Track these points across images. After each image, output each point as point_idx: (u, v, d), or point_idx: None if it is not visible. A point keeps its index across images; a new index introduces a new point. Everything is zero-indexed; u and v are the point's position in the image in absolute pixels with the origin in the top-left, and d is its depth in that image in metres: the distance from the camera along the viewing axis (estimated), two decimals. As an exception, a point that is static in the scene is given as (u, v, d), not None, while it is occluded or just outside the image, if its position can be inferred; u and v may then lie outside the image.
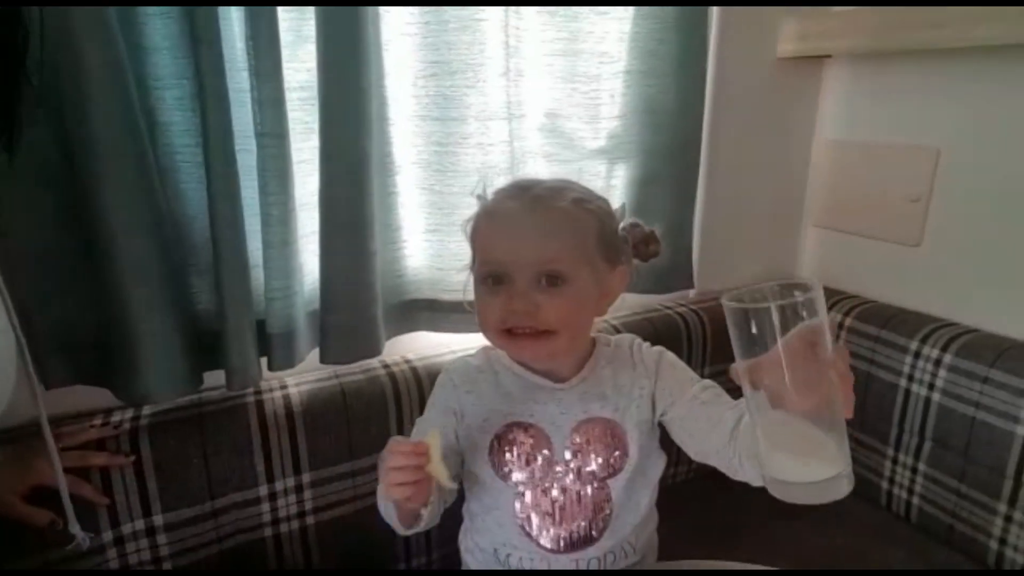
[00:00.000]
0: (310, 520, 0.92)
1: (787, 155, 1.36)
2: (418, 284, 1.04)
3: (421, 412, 0.94)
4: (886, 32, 1.09)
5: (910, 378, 1.10)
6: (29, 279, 0.77)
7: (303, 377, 0.95)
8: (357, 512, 0.94)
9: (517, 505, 0.76)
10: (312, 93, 0.85)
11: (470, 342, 1.05)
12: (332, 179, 0.87)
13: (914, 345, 1.09)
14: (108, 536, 0.80)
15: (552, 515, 0.75)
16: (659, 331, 1.12)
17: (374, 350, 0.97)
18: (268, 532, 0.89)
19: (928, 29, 1.02)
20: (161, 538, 0.83)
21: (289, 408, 0.89)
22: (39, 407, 0.63)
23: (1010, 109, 1.04)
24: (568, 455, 0.75)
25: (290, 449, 0.88)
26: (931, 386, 1.07)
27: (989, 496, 1.00)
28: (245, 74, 0.79)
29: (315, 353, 0.96)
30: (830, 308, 1.24)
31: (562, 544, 0.76)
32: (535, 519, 0.76)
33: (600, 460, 0.75)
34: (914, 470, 1.11)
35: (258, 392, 0.91)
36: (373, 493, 0.94)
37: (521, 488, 0.75)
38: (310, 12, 0.82)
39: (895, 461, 1.13)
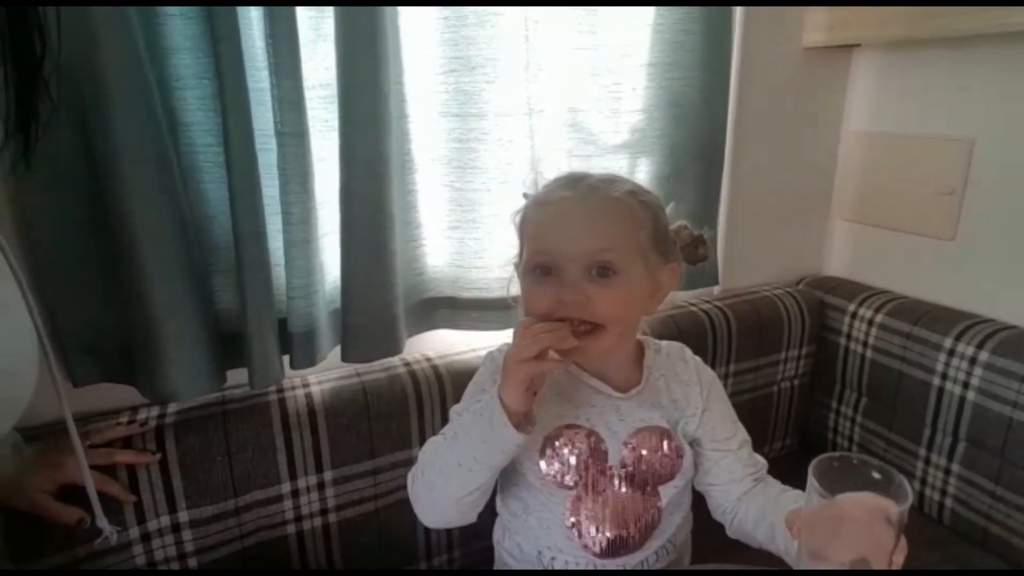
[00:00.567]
0: (332, 518, 0.92)
1: (814, 147, 1.33)
2: (438, 282, 1.04)
3: (443, 411, 0.95)
4: (918, 20, 1.06)
5: (944, 376, 1.06)
6: (56, 281, 0.79)
7: (325, 375, 0.96)
8: (378, 510, 0.94)
9: (567, 509, 0.73)
10: (332, 91, 0.85)
11: (491, 340, 1.04)
12: (352, 177, 0.87)
13: (948, 342, 1.06)
14: (135, 532, 0.81)
15: (603, 520, 0.73)
16: (683, 328, 1.10)
17: (395, 348, 0.97)
18: (291, 529, 0.90)
19: (962, 16, 0.99)
20: (186, 534, 0.84)
21: (311, 406, 0.89)
22: (63, 406, 0.64)
23: (1050, 97, 1.00)
24: (622, 461, 0.73)
25: (312, 447, 0.88)
26: (966, 384, 1.03)
27: (1027, 498, 0.97)
28: (265, 73, 0.79)
29: (337, 351, 0.96)
30: (860, 304, 1.21)
31: (610, 548, 0.74)
32: (585, 523, 0.73)
33: (654, 468, 0.74)
34: (947, 471, 1.08)
35: (280, 390, 0.91)
36: (395, 491, 0.95)
37: (572, 492, 0.73)
38: (329, 10, 0.82)
39: (927, 461, 1.10)
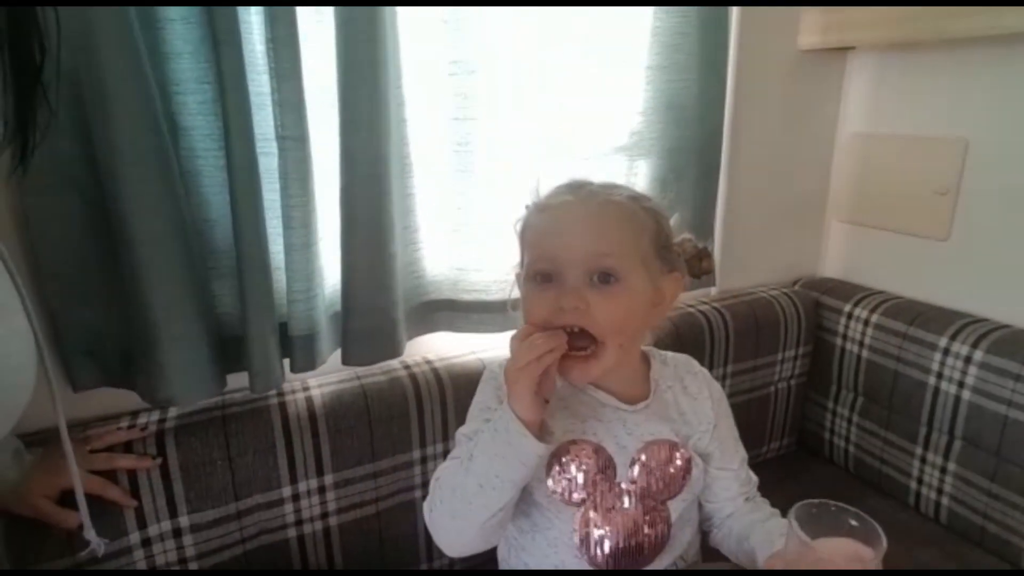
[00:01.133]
0: (333, 521, 0.92)
1: (810, 149, 1.34)
2: (437, 285, 1.04)
3: (443, 413, 0.95)
4: (912, 22, 1.07)
5: (939, 376, 1.07)
6: (57, 284, 0.78)
7: (325, 379, 0.96)
8: (379, 513, 0.94)
9: (575, 526, 0.72)
10: (332, 95, 0.85)
11: (490, 342, 1.05)
12: (352, 180, 0.87)
13: (943, 342, 1.07)
14: (136, 538, 0.81)
15: (612, 536, 0.71)
16: (681, 330, 1.11)
17: (395, 351, 0.97)
18: (292, 533, 0.90)
19: (956, 18, 1.00)
20: (187, 539, 0.84)
21: (312, 410, 0.89)
22: (57, 409, 0.64)
23: (1043, 99, 1.01)
24: (631, 476, 0.72)
25: (313, 450, 0.88)
26: (961, 384, 1.04)
27: (1022, 496, 0.98)
28: (266, 77, 0.80)
29: (337, 355, 0.96)
30: (856, 304, 1.22)
31: (620, 564, 0.73)
32: (594, 540, 0.72)
33: (663, 482, 0.72)
34: (943, 470, 1.09)
35: (281, 394, 0.91)
36: (395, 494, 0.95)
37: (580, 509, 0.71)
38: (329, 14, 0.82)
39: (924, 460, 1.11)
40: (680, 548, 0.76)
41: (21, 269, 0.57)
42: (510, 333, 0.66)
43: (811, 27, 1.22)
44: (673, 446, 0.73)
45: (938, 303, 1.17)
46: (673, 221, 0.74)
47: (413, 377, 0.96)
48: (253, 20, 0.80)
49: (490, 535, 0.68)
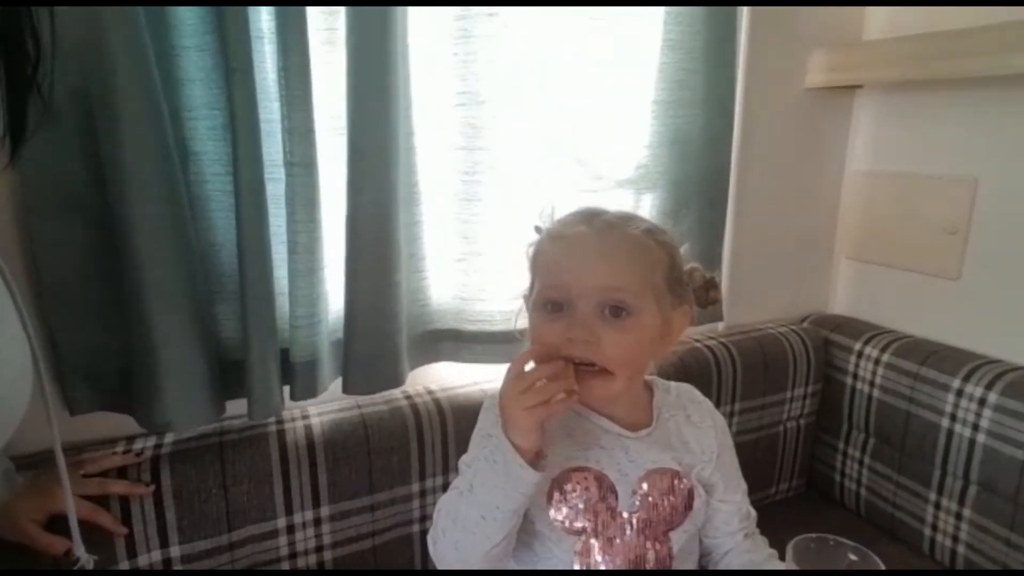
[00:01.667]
0: (328, 555, 0.89)
1: (817, 186, 1.34)
2: (442, 314, 1.03)
3: (444, 445, 0.93)
4: (919, 61, 1.08)
5: (952, 417, 1.05)
6: (59, 305, 0.78)
7: (325, 407, 0.94)
8: (376, 547, 0.92)
9: (576, 555, 0.70)
10: (341, 123, 0.86)
11: (494, 373, 1.03)
12: (359, 208, 0.87)
13: (956, 383, 1.05)
14: (125, 567, 0.79)
15: (613, 567, 0.70)
16: (688, 365, 1.09)
17: (397, 380, 0.96)
18: (285, 566, 0.88)
19: (963, 58, 1.01)
20: (177, 569, 0.82)
21: (310, 439, 0.88)
22: (53, 431, 0.63)
23: (1052, 139, 1.01)
24: (633, 506, 0.70)
25: (310, 480, 0.87)
26: (975, 426, 1.02)
27: (1042, 546, 0.94)
28: (276, 104, 0.80)
29: (337, 383, 0.95)
30: (866, 343, 1.20)
31: None
32: (595, 570, 0.70)
33: (665, 512, 0.71)
34: (959, 516, 1.05)
35: (280, 422, 0.90)
36: (393, 528, 0.92)
37: (582, 538, 0.70)
38: (340, 43, 0.83)
39: (938, 506, 1.08)
40: None
41: (22, 288, 0.57)
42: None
43: (818, 66, 1.23)
44: (675, 475, 0.72)
45: (950, 343, 1.15)
46: (683, 250, 0.74)
47: (414, 407, 0.94)
48: (266, 49, 0.81)
49: (496, 561, 0.67)
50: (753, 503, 0.79)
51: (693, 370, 1.09)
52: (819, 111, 1.28)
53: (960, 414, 1.04)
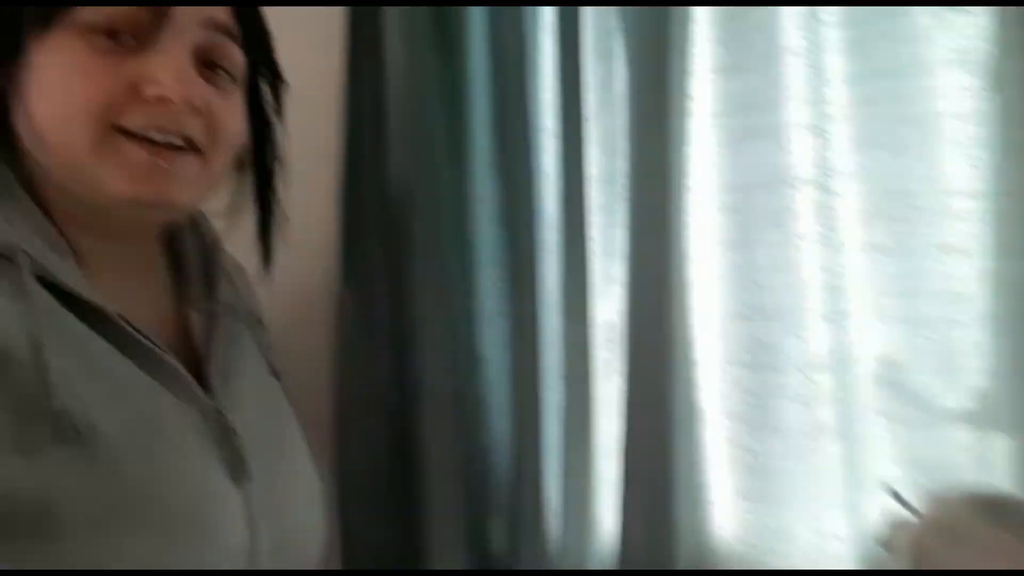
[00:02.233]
0: None
1: None
2: (726, 558, 0.85)
3: None
4: None
5: None
6: (357, 500, 0.81)
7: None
8: None
9: None
10: (617, 333, 0.84)
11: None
12: (634, 426, 0.81)
13: None
14: None
15: None
16: None
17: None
18: None
19: None
20: None
21: None
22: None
23: None
24: None
25: None
26: None
27: None
28: (556, 314, 0.82)
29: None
30: None
31: None
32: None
33: None
34: None
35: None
36: None
37: None
38: (619, 253, 0.85)
39: None
40: None
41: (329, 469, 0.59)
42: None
43: None
44: None
45: None
46: None
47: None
48: (549, 260, 0.85)
49: None
50: None
51: None
52: None
53: None
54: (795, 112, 0.82)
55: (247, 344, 0.55)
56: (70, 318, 0.41)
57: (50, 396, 0.37)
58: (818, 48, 0.76)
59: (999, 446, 0.86)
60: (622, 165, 0.87)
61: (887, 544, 0.56)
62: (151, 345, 0.44)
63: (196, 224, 0.56)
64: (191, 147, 0.45)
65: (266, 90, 0.55)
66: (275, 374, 0.58)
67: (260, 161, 0.55)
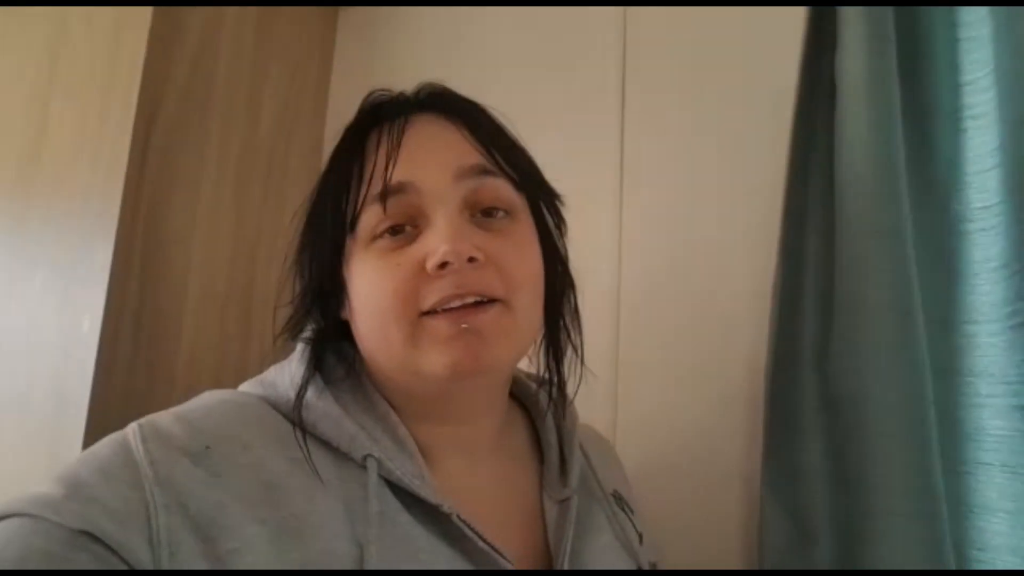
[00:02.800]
0: None
1: None
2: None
3: None
4: None
5: None
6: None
7: None
8: None
9: None
10: None
11: None
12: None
13: None
14: None
15: None
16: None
17: None
18: None
19: None
20: None
21: None
22: None
23: None
24: None
25: None
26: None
27: None
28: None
29: None
30: None
31: None
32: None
33: None
34: None
35: None
36: None
37: None
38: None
39: None
40: None
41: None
42: None
43: None
44: None
45: None
46: None
47: None
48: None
49: None
50: None
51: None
52: None
53: None
54: None
55: (605, 535, 0.52)
56: (405, 517, 0.43)
57: None
58: None
59: None
60: None
61: None
62: (487, 547, 0.44)
63: (555, 406, 0.56)
64: (491, 300, 0.45)
65: (548, 213, 0.53)
66: (643, 567, 0.53)
67: (548, 287, 0.52)
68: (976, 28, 0.69)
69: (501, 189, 0.48)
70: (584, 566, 0.48)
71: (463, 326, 0.44)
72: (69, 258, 0.81)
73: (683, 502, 0.78)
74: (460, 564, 0.43)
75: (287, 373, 0.49)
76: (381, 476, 0.44)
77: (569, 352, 0.55)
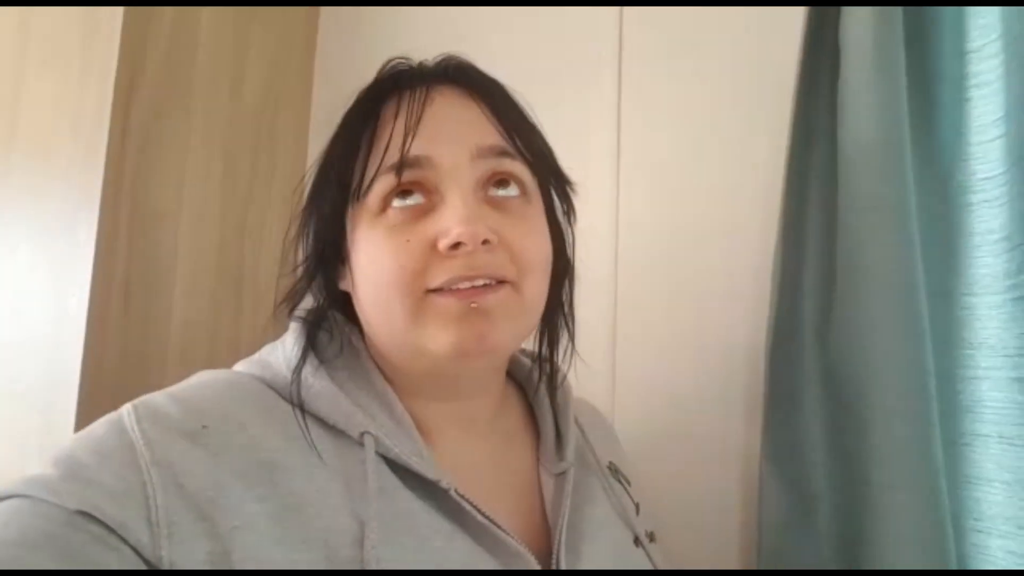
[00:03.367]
0: None
1: None
2: None
3: None
4: None
5: None
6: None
7: None
8: None
9: None
10: None
11: None
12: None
13: None
14: None
15: None
16: None
17: None
18: None
19: None
20: None
21: None
22: None
23: None
24: None
25: None
26: None
27: None
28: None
29: None
30: None
31: None
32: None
33: None
34: None
35: None
36: None
37: None
38: None
39: None
40: None
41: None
42: None
43: None
44: None
45: None
46: None
47: None
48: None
49: None
50: None
51: None
52: None
53: None
54: None
55: (601, 507, 0.53)
56: (403, 493, 0.43)
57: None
58: None
59: None
60: None
61: None
62: (485, 521, 0.44)
63: (550, 380, 0.56)
64: (500, 282, 0.45)
65: (556, 197, 0.53)
66: (641, 537, 0.53)
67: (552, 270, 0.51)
68: (984, -10, 0.67)
69: (517, 171, 0.48)
70: (581, 538, 0.48)
71: (472, 305, 0.43)
72: (52, 235, 0.79)
73: (682, 476, 0.79)
74: (459, 539, 0.43)
75: (281, 352, 0.48)
76: (379, 453, 0.44)
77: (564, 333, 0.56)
